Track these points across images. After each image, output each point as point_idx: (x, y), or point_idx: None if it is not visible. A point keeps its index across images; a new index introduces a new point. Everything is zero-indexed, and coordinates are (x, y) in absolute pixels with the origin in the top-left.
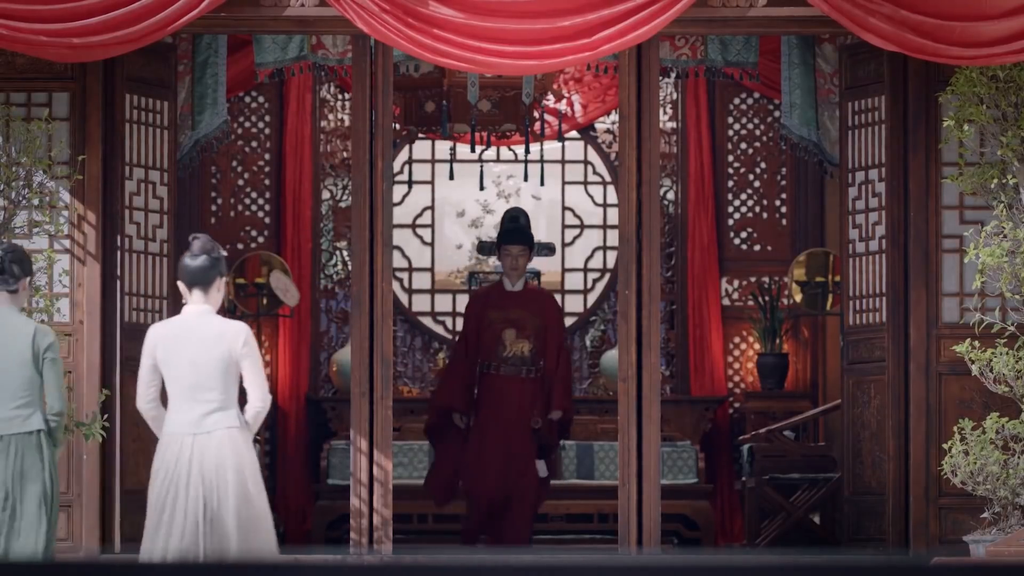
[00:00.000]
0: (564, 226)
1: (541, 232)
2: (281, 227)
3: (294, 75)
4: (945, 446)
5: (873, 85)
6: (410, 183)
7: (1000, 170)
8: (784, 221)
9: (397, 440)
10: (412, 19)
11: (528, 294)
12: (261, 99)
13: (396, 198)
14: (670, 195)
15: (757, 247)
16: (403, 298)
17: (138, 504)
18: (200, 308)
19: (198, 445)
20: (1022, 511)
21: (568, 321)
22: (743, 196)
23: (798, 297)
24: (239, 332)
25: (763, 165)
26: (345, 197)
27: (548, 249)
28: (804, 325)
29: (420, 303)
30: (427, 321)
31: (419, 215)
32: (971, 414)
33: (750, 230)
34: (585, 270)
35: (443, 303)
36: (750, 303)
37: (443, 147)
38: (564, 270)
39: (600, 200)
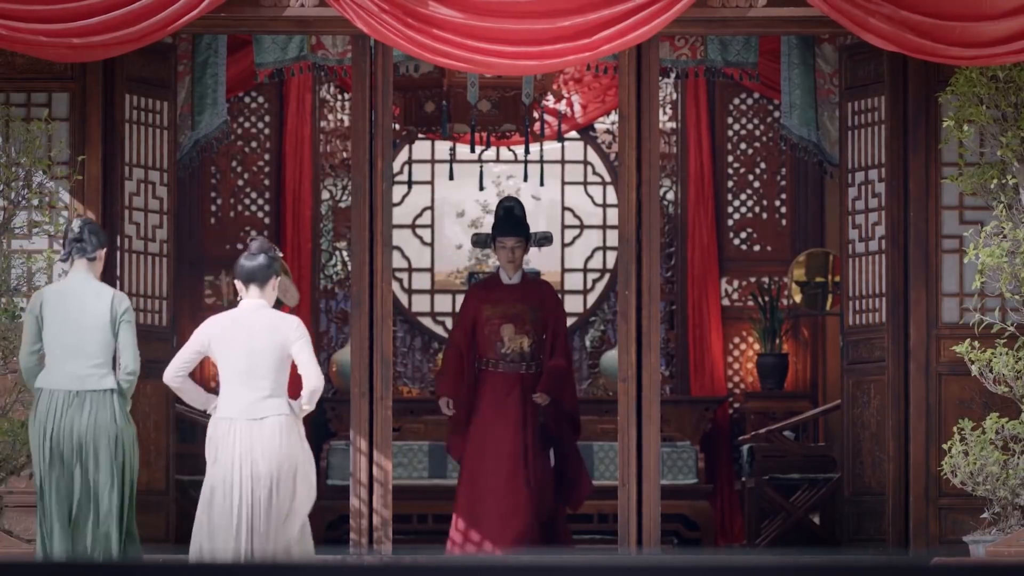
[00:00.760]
0: (564, 226)
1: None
2: (281, 227)
3: (294, 75)
4: (945, 446)
5: (873, 85)
6: (410, 183)
7: (1000, 170)
8: (784, 221)
9: (397, 440)
10: (412, 19)
11: (526, 287)
12: (261, 99)
13: (396, 198)
14: (670, 195)
15: (757, 247)
16: (403, 298)
17: (138, 504)
18: (256, 303)
19: (252, 430)
20: (1022, 511)
21: (568, 321)
22: (743, 196)
23: (798, 297)
24: (291, 323)
25: (763, 165)
26: (345, 197)
27: (546, 239)
28: (804, 325)
29: (420, 303)
30: (427, 321)
31: (419, 215)
32: (971, 414)
33: (750, 230)
34: (585, 270)
35: (443, 303)
36: (750, 303)
37: (443, 147)
38: (564, 270)
39: (600, 200)
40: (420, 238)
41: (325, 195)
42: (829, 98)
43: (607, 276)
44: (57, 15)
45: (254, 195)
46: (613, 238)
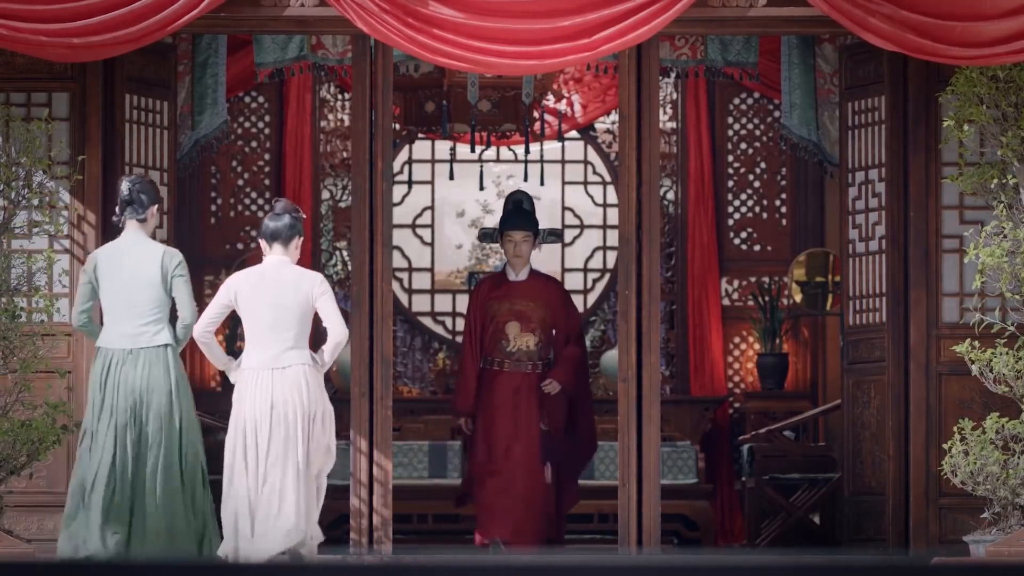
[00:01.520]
0: (564, 226)
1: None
2: None
3: (294, 75)
4: (945, 446)
5: (873, 85)
6: (410, 183)
7: (1000, 170)
8: (784, 221)
9: (397, 440)
10: (412, 19)
11: (533, 283)
12: (261, 99)
13: (396, 198)
14: (670, 195)
15: (757, 247)
16: (403, 298)
17: None
18: (279, 259)
19: (275, 378)
20: (1022, 511)
21: None
22: (743, 196)
23: (798, 297)
24: (315, 278)
25: (763, 165)
26: (345, 197)
27: (555, 235)
28: (804, 325)
29: (420, 303)
30: (427, 321)
31: (419, 215)
32: (971, 414)
33: (750, 230)
34: (585, 270)
35: (443, 303)
36: (750, 303)
37: (443, 147)
38: (564, 270)
39: (600, 200)
40: (420, 238)
41: (325, 195)
42: (829, 98)
43: (607, 276)
44: (57, 15)
45: (254, 195)
46: (613, 238)
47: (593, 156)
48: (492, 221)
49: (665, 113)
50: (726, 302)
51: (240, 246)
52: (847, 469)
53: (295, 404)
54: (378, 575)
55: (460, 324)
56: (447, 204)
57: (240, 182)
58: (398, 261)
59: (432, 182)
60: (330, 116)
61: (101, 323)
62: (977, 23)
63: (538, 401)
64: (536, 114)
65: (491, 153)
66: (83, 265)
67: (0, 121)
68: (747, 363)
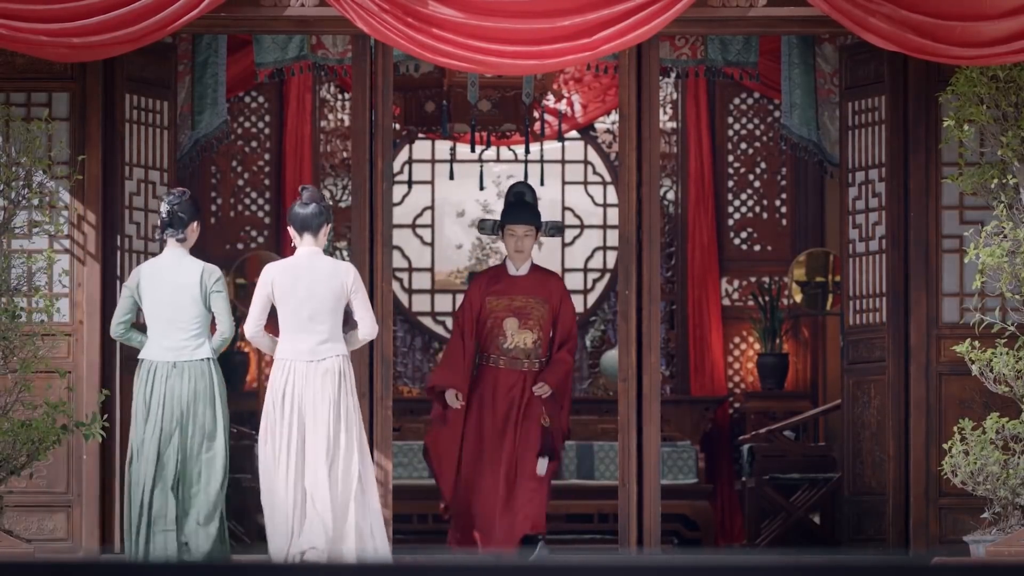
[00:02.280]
0: (564, 226)
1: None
2: (281, 227)
3: (294, 75)
4: (945, 446)
5: (873, 85)
6: (410, 183)
7: (1000, 170)
8: (784, 221)
9: (397, 440)
10: (412, 19)
11: (534, 278)
12: (261, 99)
13: (396, 198)
14: (670, 195)
15: (757, 247)
16: (403, 298)
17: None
18: (311, 250)
19: (310, 371)
20: (1022, 511)
21: None
22: (743, 196)
23: (798, 297)
24: (348, 270)
25: (763, 165)
26: (345, 197)
27: (557, 228)
28: (804, 325)
29: (420, 303)
30: (427, 321)
31: (419, 215)
32: (971, 414)
33: (750, 230)
34: (585, 270)
35: (443, 303)
36: (750, 303)
37: (443, 147)
38: (564, 270)
39: (600, 200)
40: (420, 238)
41: (325, 195)
42: (829, 98)
43: (607, 276)
44: (57, 15)
45: (254, 195)
46: (613, 238)
47: (593, 156)
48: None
49: (665, 113)
50: (726, 302)
51: (240, 246)
52: (847, 469)
53: (328, 397)
54: (378, 575)
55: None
56: (447, 204)
57: (240, 182)
58: (398, 261)
59: (432, 182)
60: (330, 116)
61: (142, 332)
62: (977, 23)
63: (533, 399)
64: (536, 114)
65: (491, 153)
66: (126, 281)
67: (0, 121)
68: (747, 363)
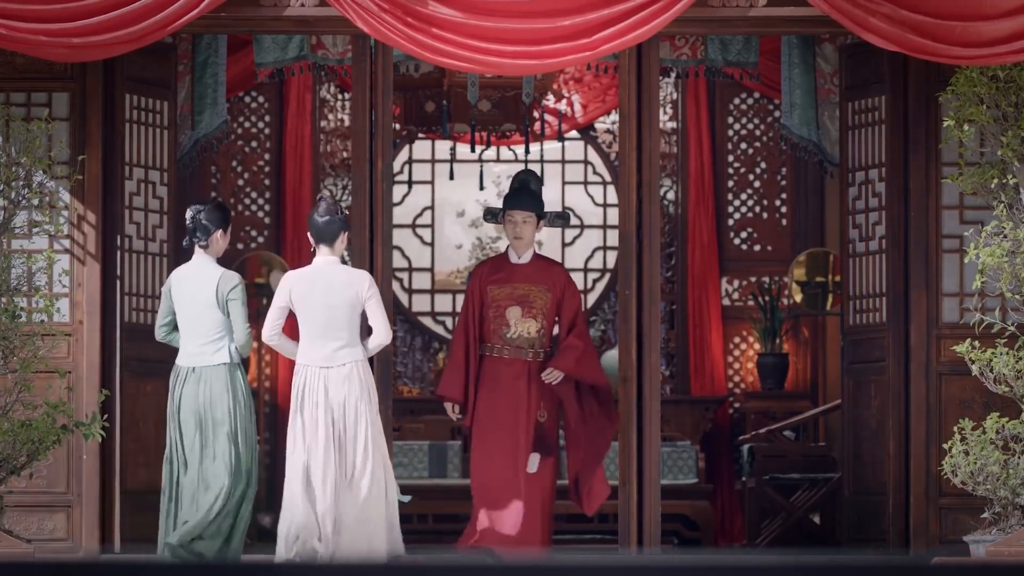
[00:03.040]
0: (568, 216)
1: (541, 232)
2: (281, 227)
3: (294, 75)
4: (945, 446)
5: (873, 85)
6: (410, 183)
7: (1000, 170)
8: (784, 221)
9: (397, 440)
10: (412, 19)
11: (536, 266)
12: (261, 99)
13: (396, 198)
14: (670, 195)
15: (757, 247)
16: (403, 298)
17: (138, 504)
18: (328, 259)
19: (329, 376)
20: (1022, 511)
21: None
22: (743, 196)
23: (798, 297)
24: (364, 278)
25: (763, 165)
26: (345, 197)
27: (562, 218)
28: (804, 325)
29: (420, 303)
30: (427, 321)
31: (419, 215)
32: (971, 414)
33: (750, 230)
34: (585, 270)
35: (443, 303)
36: (750, 303)
37: (443, 147)
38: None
39: (600, 200)
40: (420, 238)
41: (325, 195)
42: (829, 98)
43: (607, 276)
44: (57, 15)
45: (254, 195)
46: (613, 238)
47: (593, 156)
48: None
49: (665, 113)
50: (726, 302)
51: (240, 246)
52: (847, 469)
53: (344, 402)
54: (379, 575)
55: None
56: (447, 204)
57: (240, 182)
58: (398, 261)
59: (432, 182)
60: (330, 116)
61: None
62: (977, 23)
63: (539, 390)
64: (536, 114)
65: (491, 153)
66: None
67: (0, 121)
68: (747, 363)
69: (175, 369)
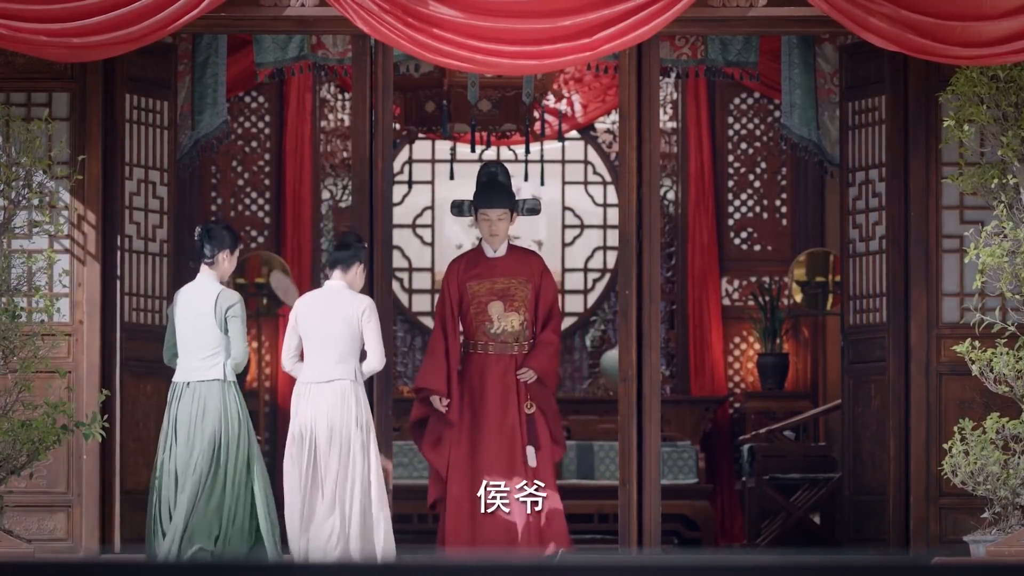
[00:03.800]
0: (564, 226)
1: (541, 232)
2: (281, 227)
3: (294, 75)
4: (945, 446)
5: (873, 85)
6: (410, 183)
7: (1000, 170)
8: (784, 221)
9: (397, 440)
10: (412, 19)
11: (513, 258)
12: (261, 99)
13: (396, 198)
14: (670, 195)
15: (757, 247)
16: (403, 298)
17: (138, 504)
18: (336, 284)
19: (324, 392)
20: (1022, 511)
21: (568, 321)
22: (743, 196)
23: (798, 297)
24: (362, 302)
25: (763, 165)
26: (345, 197)
27: (533, 209)
28: (804, 325)
29: (420, 303)
30: (427, 321)
31: (419, 215)
32: (971, 414)
33: (750, 230)
34: (585, 270)
35: None
36: (750, 303)
37: (443, 147)
38: (564, 270)
39: (600, 200)
40: (420, 238)
41: (325, 195)
42: (829, 98)
43: (607, 276)
44: (57, 15)
45: (254, 195)
46: (613, 238)
47: (593, 156)
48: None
49: (665, 113)
50: (726, 302)
51: (240, 246)
52: (847, 469)
53: (333, 418)
54: (379, 575)
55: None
56: (447, 204)
57: (240, 182)
58: (398, 261)
59: (432, 182)
60: (330, 116)
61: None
62: (977, 23)
63: (524, 384)
64: (536, 114)
65: (491, 153)
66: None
67: (0, 121)
68: (747, 363)
69: (172, 386)
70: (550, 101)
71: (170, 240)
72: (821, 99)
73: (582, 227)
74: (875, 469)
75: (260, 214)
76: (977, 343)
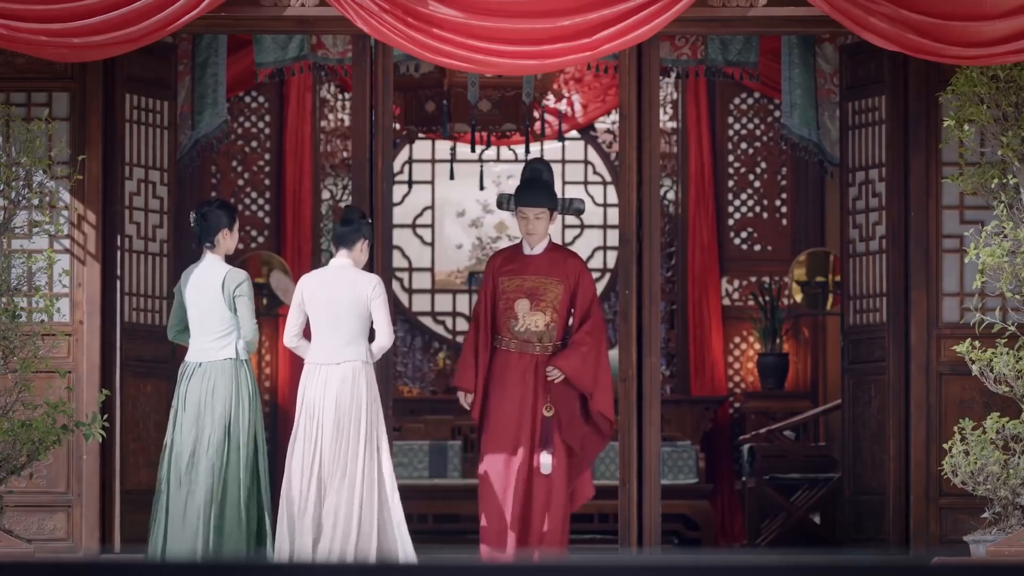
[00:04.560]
0: (564, 226)
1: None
2: (281, 227)
3: (294, 75)
4: (945, 446)
5: (873, 85)
6: (410, 183)
7: (1000, 170)
8: (784, 221)
9: (397, 440)
10: (412, 19)
11: (550, 258)
12: (261, 99)
13: (396, 198)
14: (670, 195)
15: (757, 247)
16: (403, 298)
17: (138, 504)
18: (341, 262)
19: (331, 374)
20: (1022, 511)
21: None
22: (743, 196)
23: (798, 297)
24: (370, 280)
25: (763, 165)
26: (345, 197)
27: (577, 210)
28: (804, 325)
29: (420, 303)
30: (427, 321)
31: (419, 215)
32: (971, 414)
33: (750, 230)
34: None
35: (443, 303)
36: (750, 303)
37: (443, 147)
38: None
39: (600, 200)
40: (420, 238)
41: (325, 195)
42: (829, 98)
43: (607, 276)
44: (57, 15)
45: (254, 195)
46: (613, 238)
47: (593, 156)
48: (492, 220)
49: (665, 113)
50: (726, 302)
51: (240, 246)
52: (847, 469)
53: (343, 400)
54: (380, 575)
55: (461, 324)
56: (447, 204)
57: (240, 182)
58: (398, 261)
59: (432, 182)
60: (330, 116)
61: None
62: (977, 23)
63: (545, 385)
64: (536, 114)
65: (491, 153)
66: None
67: (0, 121)
68: (747, 363)
69: (183, 365)
70: (550, 101)
71: (170, 240)
72: (821, 99)
73: (582, 227)
74: (875, 469)
75: (260, 214)
76: (977, 343)
